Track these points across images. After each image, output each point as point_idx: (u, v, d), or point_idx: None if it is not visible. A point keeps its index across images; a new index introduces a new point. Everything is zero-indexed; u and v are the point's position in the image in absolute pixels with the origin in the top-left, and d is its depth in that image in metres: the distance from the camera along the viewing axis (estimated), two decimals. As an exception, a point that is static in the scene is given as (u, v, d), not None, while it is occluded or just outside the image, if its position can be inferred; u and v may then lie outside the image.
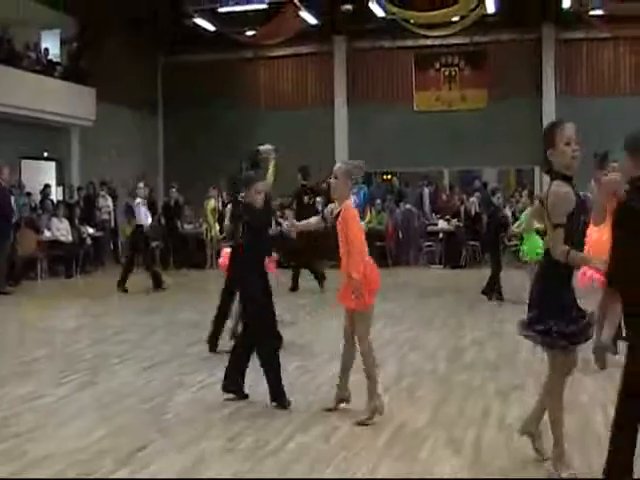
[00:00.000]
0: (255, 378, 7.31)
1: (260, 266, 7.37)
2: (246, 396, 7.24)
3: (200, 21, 25.08)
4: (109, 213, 22.60)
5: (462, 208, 21.75)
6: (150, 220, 16.41)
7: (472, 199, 21.50)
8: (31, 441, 6.10)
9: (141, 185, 16.14)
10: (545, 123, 24.42)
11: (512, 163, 26.06)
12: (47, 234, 19.66)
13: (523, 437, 5.55)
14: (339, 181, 6.76)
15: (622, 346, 5.06)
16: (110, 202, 22.68)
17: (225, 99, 27.59)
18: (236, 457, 5.68)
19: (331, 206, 6.97)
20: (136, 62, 27.12)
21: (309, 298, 14.60)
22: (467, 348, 9.80)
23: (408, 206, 22.73)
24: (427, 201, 23.92)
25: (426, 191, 24.14)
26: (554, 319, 4.97)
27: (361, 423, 6.45)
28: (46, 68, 22.31)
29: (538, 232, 12.42)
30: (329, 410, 6.82)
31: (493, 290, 13.79)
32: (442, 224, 21.96)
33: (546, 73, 25.46)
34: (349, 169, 6.81)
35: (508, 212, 18.71)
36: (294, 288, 15.54)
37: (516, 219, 19.06)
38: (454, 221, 21.59)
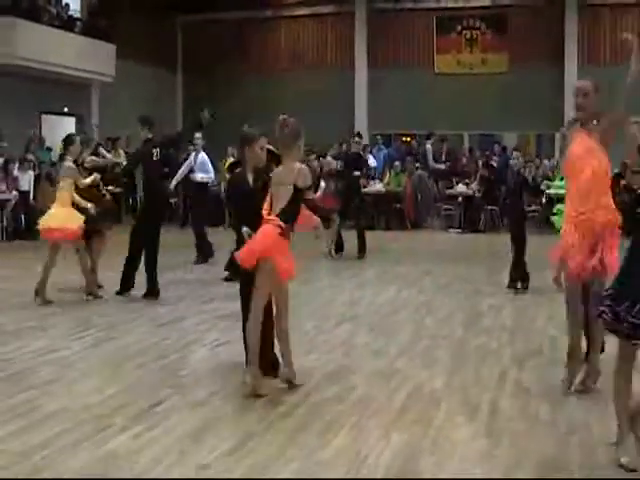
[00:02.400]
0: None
1: None
2: None
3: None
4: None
5: (479, 173, 21.53)
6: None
7: (491, 163, 21.32)
8: (46, 394, 6.13)
9: (198, 135, 14.84)
10: (567, 89, 24.33)
11: (532, 128, 25.80)
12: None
13: (538, 403, 5.52)
14: None
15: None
16: (123, 158, 22.53)
17: (244, 58, 27.45)
18: (250, 417, 5.68)
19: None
20: (156, 20, 26.99)
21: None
22: (484, 313, 9.75)
23: (419, 171, 22.53)
24: (430, 157, 23.43)
25: (429, 147, 23.62)
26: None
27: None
28: (66, 23, 22.22)
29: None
30: None
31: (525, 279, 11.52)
32: (461, 188, 21.79)
33: (568, 38, 25.10)
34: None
35: (528, 177, 18.56)
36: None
37: (536, 184, 18.94)
38: (473, 185, 21.41)
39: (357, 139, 16.35)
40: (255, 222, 6.30)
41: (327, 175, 17.69)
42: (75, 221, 10.31)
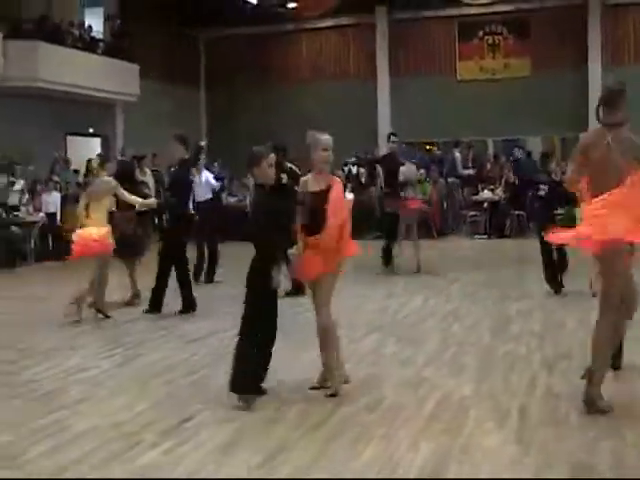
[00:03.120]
0: (295, 349, 7.31)
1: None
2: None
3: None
4: (148, 187, 22.53)
5: (504, 178, 21.46)
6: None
7: (508, 173, 21.29)
8: (76, 414, 6.17)
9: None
10: (591, 91, 24.20)
11: (556, 132, 25.67)
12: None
13: (569, 408, 5.49)
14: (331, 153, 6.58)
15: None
16: (149, 176, 22.60)
17: (266, 72, 27.57)
18: (280, 429, 5.68)
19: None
20: (178, 38, 27.23)
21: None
22: (512, 319, 9.70)
23: (450, 179, 22.57)
24: (459, 165, 23.47)
25: (457, 155, 23.66)
26: None
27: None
28: (89, 45, 22.45)
29: None
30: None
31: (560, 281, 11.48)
32: (486, 194, 21.72)
33: (592, 41, 24.95)
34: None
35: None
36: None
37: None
38: (498, 191, 21.33)
39: (393, 138, 15.41)
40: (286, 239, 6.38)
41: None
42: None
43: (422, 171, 22.69)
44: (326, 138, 6.61)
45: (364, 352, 8.04)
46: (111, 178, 10.78)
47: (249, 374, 6.29)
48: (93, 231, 10.34)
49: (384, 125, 26.20)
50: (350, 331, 8.60)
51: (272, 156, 6.55)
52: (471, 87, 25.86)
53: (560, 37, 25.08)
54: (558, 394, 6.32)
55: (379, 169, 16.74)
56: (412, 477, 4.73)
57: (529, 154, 22.66)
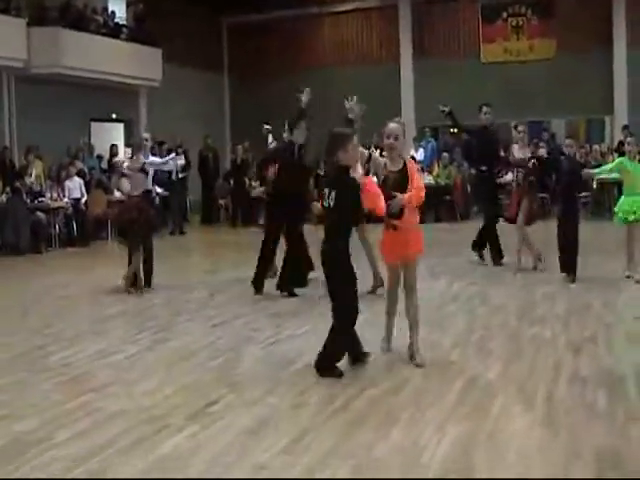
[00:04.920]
0: (320, 331, 7.29)
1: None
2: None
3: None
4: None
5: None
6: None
7: (541, 150, 21.08)
8: (105, 397, 6.20)
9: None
10: (616, 74, 23.98)
11: (581, 113, 25.48)
12: (117, 194, 19.87)
13: (596, 391, 5.46)
14: (401, 141, 6.76)
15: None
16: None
17: (290, 57, 27.54)
18: (305, 413, 5.69)
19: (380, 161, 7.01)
20: (201, 22, 27.24)
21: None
22: (537, 302, 9.66)
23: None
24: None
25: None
26: None
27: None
28: (113, 31, 22.54)
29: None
30: None
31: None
32: (510, 176, 21.53)
33: (616, 20, 24.65)
34: (403, 127, 6.85)
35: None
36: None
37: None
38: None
39: (486, 109, 13.43)
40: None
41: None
42: None
43: (445, 154, 22.67)
44: (390, 127, 6.80)
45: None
46: None
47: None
48: None
49: (408, 109, 26.10)
50: (374, 315, 8.59)
51: (355, 138, 6.60)
52: (495, 69, 25.68)
53: (585, 18, 24.80)
54: (585, 378, 6.29)
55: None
56: (438, 461, 4.72)
57: (553, 136, 22.51)
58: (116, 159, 14.55)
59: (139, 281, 11.16)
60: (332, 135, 6.65)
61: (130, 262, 11.21)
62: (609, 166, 12.27)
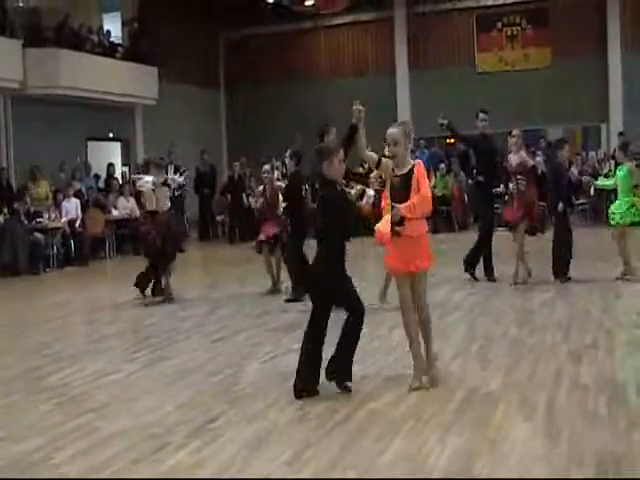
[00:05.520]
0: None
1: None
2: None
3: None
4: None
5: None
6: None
7: (537, 159, 21.10)
8: (104, 417, 6.18)
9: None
10: (611, 80, 24.01)
11: (578, 121, 25.50)
12: (114, 213, 19.92)
13: (597, 398, 5.43)
14: (402, 146, 6.59)
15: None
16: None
17: (287, 71, 27.61)
18: (306, 427, 5.68)
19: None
20: (196, 39, 27.29)
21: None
22: (537, 310, 9.66)
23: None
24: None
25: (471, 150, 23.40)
26: None
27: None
28: (108, 50, 22.58)
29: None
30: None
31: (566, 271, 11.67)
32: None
33: (611, 26, 24.69)
34: (406, 130, 6.66)
35: (574, 171, 18.38)
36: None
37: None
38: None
39: (482, 115, 12.92)
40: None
41: None
42: None
43: (442, 165, 22.66)
44: (388, 132, 6.69)
45: (389, 348, 8.01)
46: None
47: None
48: None
49: (404, 119, 26.08)
50: (373, 328, 8.57)
51: (341, 152, 6.59)
52: (491, 79, 25.75)
53: (579, 25, 24.86)
54: (586, 385, 6.27)
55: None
56: (440, 471, 4.69)
57: (549, 144, 22.50)
58: (136, 176, 14.71)
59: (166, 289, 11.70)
60: (318, 150, 6.68)
61: (152, 275, 11.84)
62: (611, 182, 12.48)
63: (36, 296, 13.81)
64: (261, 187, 12.25)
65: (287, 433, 5.57)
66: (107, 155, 23.24)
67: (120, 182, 21.30)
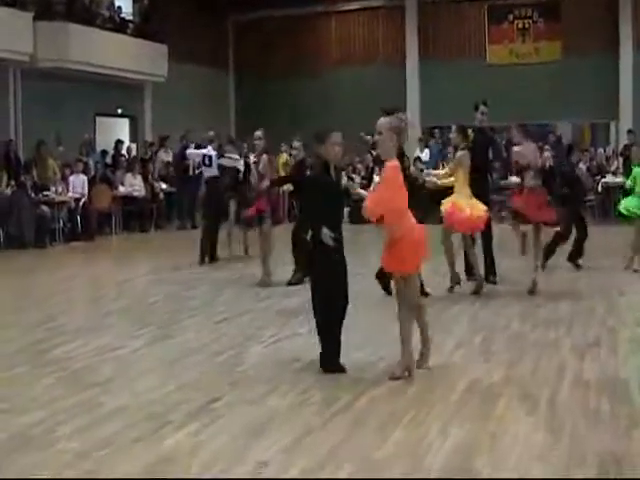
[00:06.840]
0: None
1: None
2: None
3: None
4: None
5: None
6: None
7: (545, 154, 21.05)
8: (107, 392, 6.19)
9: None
10: (622, 78, 23.91)
11: (587, 117, 25.44)
12: (121, 189, 19.93)
13: (599, 396, 5.44)
14: (384, 137, 6.47)
15: None
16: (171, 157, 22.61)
17: (295, 55, 27.50)
18: (307, 412, 5.68)
19: None
20: (207, 19, 27.19)
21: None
22: (540, 305, 9.63)
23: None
24: (502, 149, 23.23)
25: (498, 140, 23.42)
26: None
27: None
28: (119, 26, 22.53)
29: None
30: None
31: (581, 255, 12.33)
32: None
33: (623, 22, 24.59)
34: (393, 123, 6.56)
35: (583, 167, 18.37)
36: None
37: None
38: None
39: (483, 108, 12.38)
40: (338, 221, 6.62)
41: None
42: None
43: (450, 156, 22.61)
44: (378, 122, 6.59)
45: (391, 338, 7.99)
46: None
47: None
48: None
49: (413, 109, 26.05)
50: (377, 317, 8.58)
51: (338, 134, 6.68)
52: (501, 71, 25.63)
53: (590, 20, 24.75)
54: (588, 381, 6.27)
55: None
56: (440, 462, 4.70)
57: (559, 139, 22.47)
58: (190, 150, 15.94)
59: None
60: (315, 133, 6.78)
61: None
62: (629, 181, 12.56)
63: (41, 270, 13.83)
64: (253, 157, 11.89)
65: (287, 419, 5.56)
66: (115, 132, 23.22)
67: (128, 159, 21.29)
